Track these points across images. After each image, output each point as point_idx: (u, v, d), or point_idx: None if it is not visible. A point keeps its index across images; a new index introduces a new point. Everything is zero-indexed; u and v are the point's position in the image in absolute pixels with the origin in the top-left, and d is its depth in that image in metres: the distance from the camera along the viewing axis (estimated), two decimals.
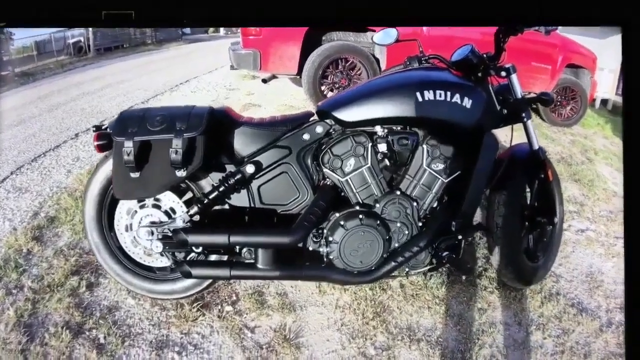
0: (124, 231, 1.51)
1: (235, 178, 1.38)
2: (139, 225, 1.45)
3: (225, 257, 1.50)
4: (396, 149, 1.47)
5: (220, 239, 1.34)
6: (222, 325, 1.61)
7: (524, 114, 1.62)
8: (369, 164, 1.44)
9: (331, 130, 1.49)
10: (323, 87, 3.64)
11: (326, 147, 1.46)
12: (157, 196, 1.42)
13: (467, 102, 1.45)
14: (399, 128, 1.50)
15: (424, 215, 1.52)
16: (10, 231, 2.17)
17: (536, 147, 1.69)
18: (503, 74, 1.58)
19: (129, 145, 1.26)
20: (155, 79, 6.36)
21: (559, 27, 4.69)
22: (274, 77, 4.10)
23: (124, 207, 1.50)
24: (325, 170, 1.46)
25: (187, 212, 1.41)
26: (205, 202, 1.39)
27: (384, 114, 1.42)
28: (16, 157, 3.50)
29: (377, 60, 3.71)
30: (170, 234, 1.40)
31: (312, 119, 1.51)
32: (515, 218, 1.68)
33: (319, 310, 1.71)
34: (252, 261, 1.42)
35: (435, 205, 1.54)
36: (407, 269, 1.53)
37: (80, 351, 1.50)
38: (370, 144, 1.45)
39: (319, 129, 1.47)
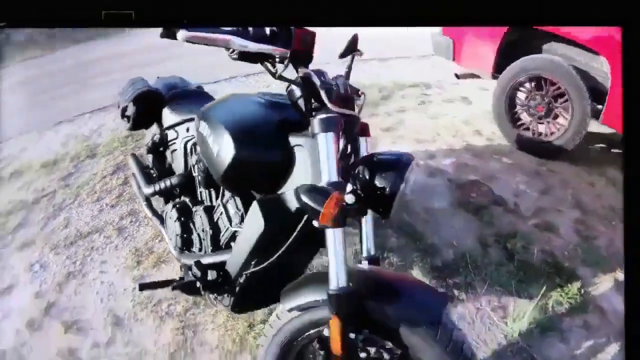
0: None
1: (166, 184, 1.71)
2: None
3: None
4: None
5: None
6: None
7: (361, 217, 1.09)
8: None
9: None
10: (517, 107, 2.87)
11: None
12: None
13: (224, 152, 1.05)
14: None
15: (225, 241, 1.41)
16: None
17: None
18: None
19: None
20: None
21: None
22: (472, 75, 3.29)
23: None
24: (190, 160, 1.65)
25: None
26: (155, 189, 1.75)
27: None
28: None
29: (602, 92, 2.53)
30: None
31: None
32: None
33: (211, 312, 1.84)
34: None
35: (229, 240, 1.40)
36: None
37: (95, 237, 2.37)
38: None
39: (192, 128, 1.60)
